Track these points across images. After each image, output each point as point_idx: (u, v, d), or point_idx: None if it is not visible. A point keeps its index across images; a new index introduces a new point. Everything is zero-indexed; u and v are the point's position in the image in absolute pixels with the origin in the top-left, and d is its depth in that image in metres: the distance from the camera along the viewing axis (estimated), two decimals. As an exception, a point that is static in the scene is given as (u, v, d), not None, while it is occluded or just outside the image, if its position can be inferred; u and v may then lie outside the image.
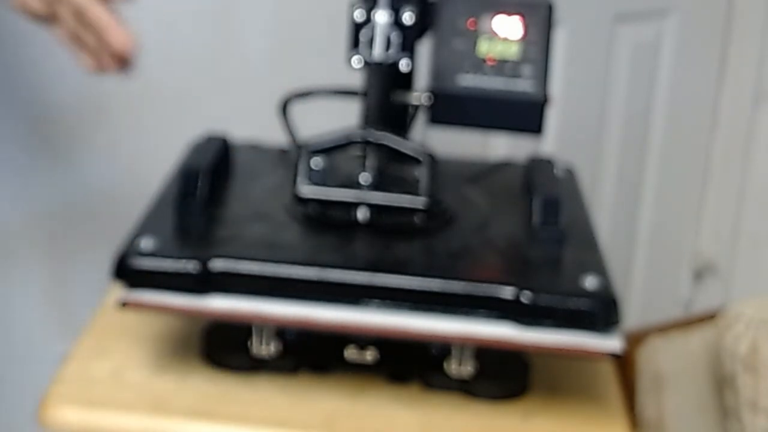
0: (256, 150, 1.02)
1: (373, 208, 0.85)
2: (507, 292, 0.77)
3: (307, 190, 0.84)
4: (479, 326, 0.78)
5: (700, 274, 1.97)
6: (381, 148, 0.84)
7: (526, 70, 0.88)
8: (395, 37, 0.89)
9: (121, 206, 1.33)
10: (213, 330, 0.88)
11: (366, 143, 0.84)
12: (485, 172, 1.00)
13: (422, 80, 0.92)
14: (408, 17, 0.89)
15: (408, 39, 0.89)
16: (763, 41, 1.83)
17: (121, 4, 0.86)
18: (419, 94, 0.91)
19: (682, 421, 1.36)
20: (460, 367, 0.84)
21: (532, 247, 0.85)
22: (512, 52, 0.89)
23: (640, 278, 1.91)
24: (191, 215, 0.86)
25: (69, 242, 1.38)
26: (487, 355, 0.84)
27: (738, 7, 1.83)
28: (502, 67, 0.89)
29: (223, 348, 0.86)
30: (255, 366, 0.85)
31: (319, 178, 0.84)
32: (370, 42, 0.89)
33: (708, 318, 1.43)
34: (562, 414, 0.83)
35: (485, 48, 0.89)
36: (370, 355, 0.85)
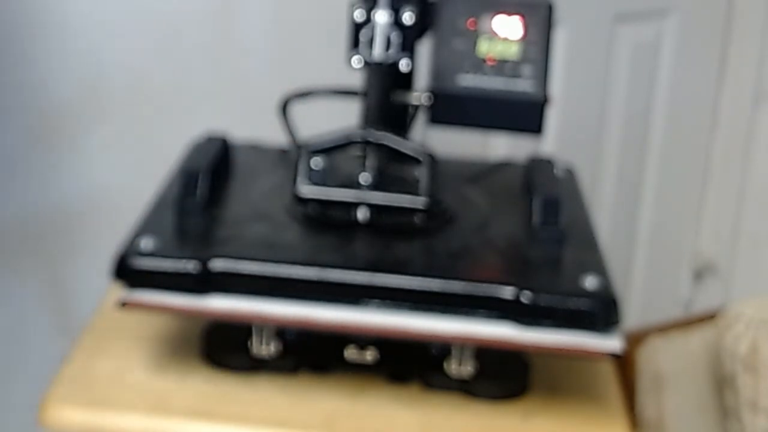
0: (256, 150, 1.02)
1: (373, 208, 0.85)
2: (507, 292, 0.77)
3: (307, 190, 0.84)
4: (479, 326, 0.78)
5: (700, 274, 1.97)
6: (381, 148, 0.84)
7: (526, 70, 0.88)
8: (395, 37, 0.89)
9: (120, 206, 1.34)
10: (213, 330, 0.88)
11: (366, 143, 0.84)
12: (485, 172, 1.00)
13: (422, 80, 0.92)
14: (408, 17, 0.89)
15: (408, 39, 0.89)
16: (763, 41, 1.83)
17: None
18: (419, 94, 0.91)
19: (682, 421, 1.36)
20: (460, 367, 0.84)
21: (532, 247, 0.85)
22: (512, 52, 0.89)
23: (640, 278, 1.92)
24: (191, 215, 0.86)
25: (69, 242, 1.38)
26: (487, 355, 0.84)
27: (738, 7, 1.84)
28: (502, 67, 0.89)
29: (223, 348, 0.86)
30: (255, 366, 0.85)
31: (319, 178, 0.84)
32: (370, 42, 0.89)
33: (708, 318, 1.43)
34: (562, 414, 0.83)
35: (485, 48, 0.89)
36: (370, 355, 0.85)
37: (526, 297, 0.77)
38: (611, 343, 0.77)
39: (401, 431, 0.80)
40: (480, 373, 0.84)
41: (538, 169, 0.95)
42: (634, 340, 1.40)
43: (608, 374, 0.89)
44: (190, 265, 0.78)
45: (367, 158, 0.86)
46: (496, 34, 0.89)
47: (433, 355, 0.85)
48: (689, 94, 1.84)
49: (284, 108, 1.00)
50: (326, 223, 0.85)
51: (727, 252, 1.93)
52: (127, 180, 1.35)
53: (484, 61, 0.89)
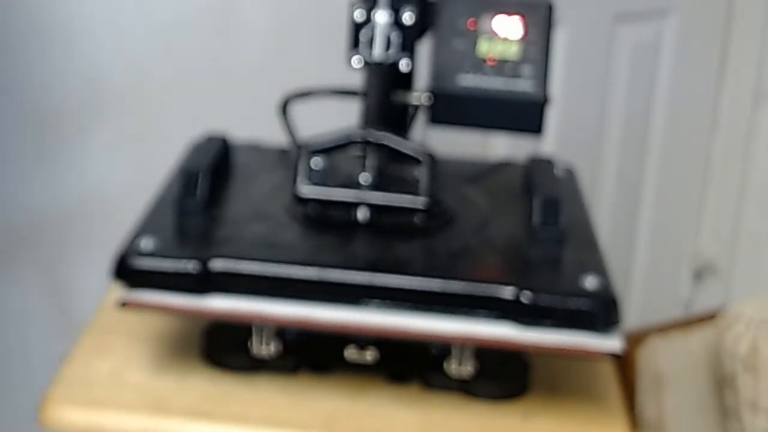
0: (256, 150, 1.02)
1: (373, 208, 0.84)
2: (507, 292, 0.77)
3: (307, 190, 0.84)
4: (479, 326, 0.78)
5: (700, 274, 1.97)
6: (381, 148, 0.84)
7: (526, 70, 0.88)
8: (395, 37, 0.89)
9: (121, 206, 1.34)
10: (213, 330, 0.88)
11: (366, 143, 0.84)
12: (485, 172, 1.00)
13: (422, 80, 0.92)
14: (408, 17, 0.89)
15: (408, 39, 0.89)
16: (763, 41, 1.83)
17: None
18: (419, 94, 0.91)
19: (682, 421, 1.36)
20: (460, 367, 0.84)
21: (532, 247, 0.85)
22: (512, 52, 0.89)
23: (640, 278, 1.92)
24: (191, 215, 0.86)
25: (69, 242, 1.38)
26: (487, 355, 0.84)
27: (738, 7, 1.84)
28: (502, 67, 0.89)
29: (223, 348, 0.86)
30: (255, 366, 0.85)
31: (319, 178, 0.84)
32: (370, 42, 0.89)
33: (708, 318, 1.43)
34: (562, 414, 0.83)
35: (485, 48, 0.89)
36: (370, 355, 0.85)
37: (526, 297, 0.77)
38: (611, 343, 0.77)
39: (401, 431, 0.80)
40: (480, 373, 0.84)
41: (538, 169, 0.95)
42: (634, 340, 1.40)
43: (608, 374, 0.89)
44: (190, 265, 0.78)
45: (367, 158, 0.86)
46: (496, 34, 0.89)
47: (433, 355, 0.85)
48: (689, 94, 1.84)
49: (284, 108, 1.00)
50: (326, 223, 0.85)
51: (727, 252, 1.93)
52: (127, 180, 1.35)
53: (484, 61, 0.89)
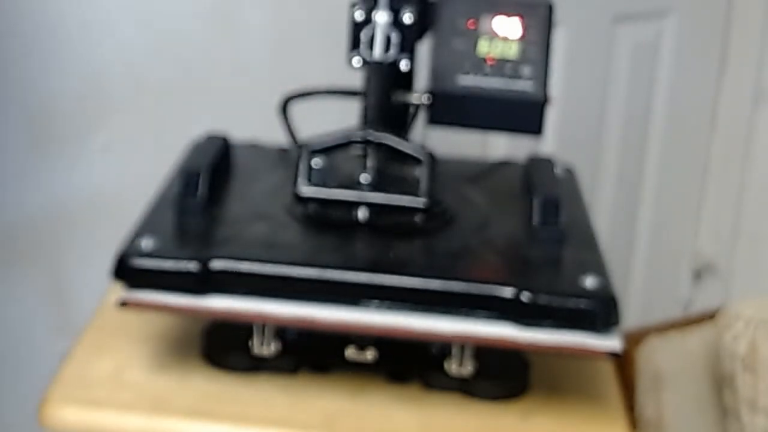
0: (256, 150, 1.02)
1: (373, 208, 0.85)
2: (507, 292, 0.77)
3: (307, 190, 0.84)
4: (479, 326, 0.78)
5: (699, 274, 1.97)
6: (381, 148, 0.84)
7: (526, 70, 0.88)
8: (395, 38, 0.89)
9: (121, 206, 1.34)
10: (213, 330, 0.88)
11: (366, 143, 0.84)
12: (485, 172, 1.00)
13: (422, 80, 0.92)
14: (408, 17, 0.89)
15: (408, 39, 0.89)
16: (763, 41, 1.83)
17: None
18: (419, 94, 0.91)
19: (681, 420, 1.36)
20: (459, 367, 0.84)
21: (532, 247, 0.85)
22: (512, 52, 0.89)
23: (640, 278, 1.92)
24: (191, 215, 0.86)
25: (69, 242, 1.38)
26: (487, 355, 0.84)
27: (737, 8, 1.84)
28: (502, 67, 0.89)
29: (223, 348, 0.86)
30: (255, 366, 0.85)
31: (319, 178, 0.84)
32: (370, 42, 0.89)
33: (707, 318, 1.43)
34: (561, 414, 0.83)
35: (485, 48, 0.89)
36: (370, 355, 0.85)
37: (525, 297, 0.77)
38: (611, 342, 0.77)
39: (401, 431, 0.80)
40: (480, 373, 0.84)
41: (538, 168, 0.95)
42: (634, 339, 1.40)
43: (608, 374, 0.89)
44: (190, 265, 0.78)
45: (367, 158, 0.86)
46: (496, 35, 0.89)
47: (433, 355, 0.85)
48: (689, 95, 1.84)
49: (284, 108, 1.00)
50: (326, 223, 0.85)
51: (726, 252, 1.93)
52: (127, 180, 1.35)
53: (484, 61, 0.89)
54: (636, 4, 1.75)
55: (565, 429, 0.82)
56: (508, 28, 0.89)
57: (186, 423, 0.80)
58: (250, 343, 0.85)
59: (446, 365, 0.84)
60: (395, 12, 0.89)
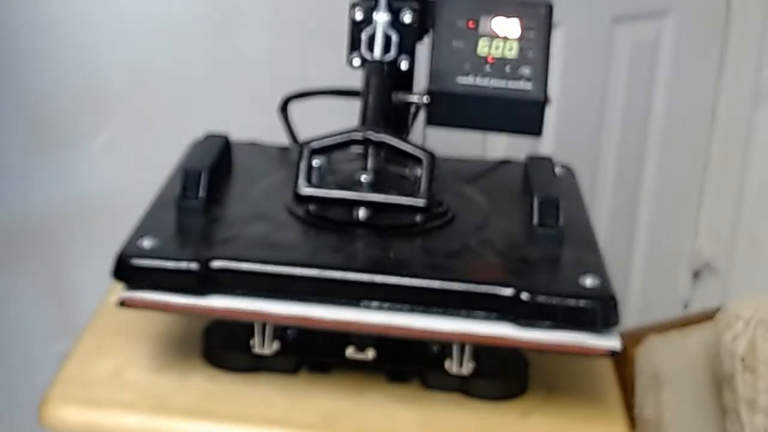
0: (257, 149, 1.02)
1: (373, 207, 0.85)
2: (506, 292, 0.78)
3: (307, 189, 0.84)
4: (479, 326, 0.78)
5: (698, 274, 1.98)
6: (381, 148, 0.84)
7: (526, 70, 0.89)
8: (395, 38, 0.89)
9: (121, 206, 1.34)
10: (213, 330, 0.88)
11: (366, 143, 0.84)
12: (485, 172, 1.01)
13: (422, 81, 0.92)
14: (408, 17, 0.89)
15: (407, 39, 0.90)
16: (762, 41, 1.83)
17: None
18: (419, 95, 0.91)
19: (680, 420, 1.36)
20: (459, 367, 0.84)
21: (532, 247, 0.85)
22: (512, 52, 0.89)
23: (639, 278, 1.92)
24: (192, 215, 0.86)
25: (69, 242, 1.38)
26: (487, 354, 0.84)
27: (736, 8, 1.84)
28: (501, 67, 0.89)
29: (223, 348, 0.86)
30: (255, 365, 0.85)
31: (319, 178, 0.84)
32: (370, 42, 0.89)
33: (706, 317, 1.43)
34: (561, 413, 0.83)
35: (485, 49, 0.89)
36: (370, 355, 0.85)
37: (525, 296, 0.77)
38: (610, 342, 0.77)
39: (401, 430, 0.81)
40: (479, 373, 0.84)
41: (537, 168, 0.95)
42: (633, 339, 1.40)
43: (607, 373, 0.89)
44: (190, 265, 0.78)
45: (367, 158, 0.86)
46: (495, 35, 0.89)
47: (432, 354, 0.85)
48: (688, 95, 1.84)
49: (284, 108, 1.00)
50: (326, 223, 0.85)
51: (725, 251, 1.93)
52: (127, 180, 1.35)
53: (483, 61, 0.89)
54: (635, 4, 1.75)
55: (565, 429, 0.82)
56: (507, 28, 0.89)
57: (186, 423, 0.80)
58: (250, 343, 0.85)
59: (446, 365, 0.84)
60: (395, 12, 0.89)
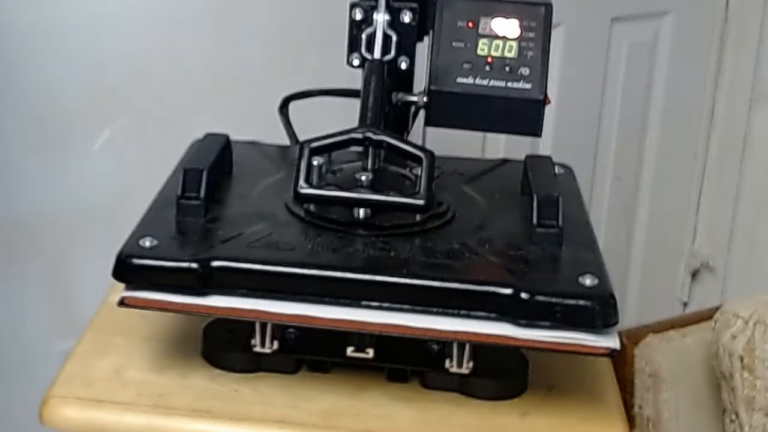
0: (257, 149, 1.02)
1: (373, 207, 0.85)
2: (506, 291, 0.78)
3: (307, 190, 0.84)
4: (478, 325, 0.78)
5: (697, 273, 1.98)
6: (381, 147, 0.85)
7: (525, 71, 0.89)
8: (394, 38, 0.89)
9: (121, 206, 1.34)
10: (213, 329, 0.88)
11: (366, 143, 0.84)
12: (484, 171, 1.01)
13: (421, 81, 0.92)
14: (407, 17, 0.90)
15: (407, 39, 0.90)
16: (759, 42, 1.83)
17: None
18: (418, 95, 0.91)
19: (679, 419, 1.37)
20: (459, 366, 0.84)
21: (531, 247, 0.85)
22: (511, 53, 0.89)
23: (638, 277, 1.92)
24: (192, 215, 0.86)
25: (69, 242, 1.38)
26: (486, 353, 0.84)
27: (734, 8, 1.84)
28: (501, 68, 0.89)
29: (223, 347, 0.87)
30: (255, 365, 0.85)
31: (319, 178, 0.85)
32: (370, 42, 0.89)
33: (705, 317, 1.44)
34: (560, 413, 0.83)
35: (484, 49, 0.89)
36: (369, 354, 0.85)
37: (524, 296, 0.77)
38: (609, 341, 0.78)
39: (400, 429, 0.81)
40: (479, 372, 0.84)
41: (537, 167, 0.95)
42: (632, 338, 1.40)
43: (606, 373, 0.89)
44: (190, 265, 0.79)
45: (367, 158, 0.87)
46: (495, 36, 0.89)
47: (432, 354, 0.85)
48: (686, 95, 1.84)
49: (284, 108, 1.00)
50: (326, 222, 0.86)
51: (723, 251, 1.94)
52: (127, 180, 1.35)
53: (483, 62, 0.89)
54: (633, 5, 1.75)
55: (564, 428, 0.82)
56: (507, 29, 0.89)
57: (186, 422, 0.81)
58: (250, 343, 0.85)
59: (445, 364, 0.84)
60: (394, 12, 0.89)
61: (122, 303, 0.80)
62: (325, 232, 0.85)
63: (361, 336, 0.84)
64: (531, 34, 0.89)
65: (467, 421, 0.82)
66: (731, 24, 1.85)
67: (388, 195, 0.83)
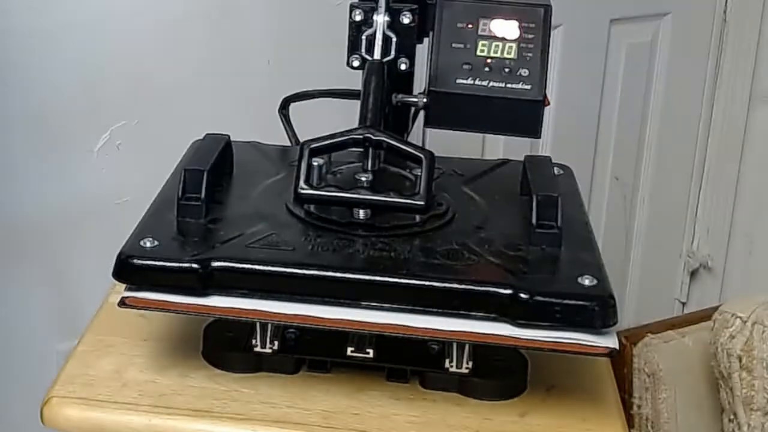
0: (257, 149, 1.02)
1: (373, 208, 0.85)
2: (505, 292, 0.78)
3: (308, 190, 0.84)
4: (478, 325, 0.79)
5: (695, 274, 1.98)
6: (381, 148, 0.85)
7: (525, 72, 0.89)
8: (394, 39, 0.90)
9: (122, 206, 1.34)
10: (214, 329, 0.88)
11: (366, 144, 0.85)
12: (484, 172, 1.01)
13: (421, 82, 0.92)
14: (407, 19, 0.90)
15: (407, 41, 0.90)
16: (758, 43, 1.84)
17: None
18: (418, 96, 0.91)
19: (678, 418, 1.37)
20: (458, 366, 0.84)
21: (530, 247, 0.85)
22: (510, 54, 0.89)
23: (636, 277, 1.92)
24: (192, 215, 0.86)
25: (70, 242, 1.38)
26: (485, 354, 0.84)
27: (732, 10, 1.84)
28: (500, 69, 0.89)
29: (223, 348, 0.87)
30: (255, 365, 0.86)
31: (319, 178, 0.85)
32: (370, 44, 0.89)
33: (704, 317, 1.44)
34: (559, 413, 0.84)
35: (484, 50, 0.89)
36: (369, 354, 0.85)
37: (524, 296, 0.78)
38: (608, 341, 0.78)
39: (400, 429, 0.81)
40: (478, 372, 0.84)
41: (536, 168, 0.95)
42: (630, 339, 1.41)
43: (604, 373, 0.89)
44: (191, 265, 0.79)
45: (367, 159, 0.87)
46: (494, 37, 0.89)
47: (431, 353, 0.85)
48: (685, 96, 1.85)
49: (284, 109, 1.00)
50: (326, 223, 0.86)
51: (722, 251, 1.94)
52: (127, 180, 1.35)
53: (482, 63, 0.89)
54: (632, 6, 1.75)
55: (563, 428, 0.82)
56: (506, 30, 0.89)
57: (187, 422, 0.81)
58: (250, 343, 0.85)
59: (445, 364, 0.84)
60: (394, 14, 0.90)
61: (123, 303, 0.80)
62: (325, 233, 0.85)
63: (361, 336, 0.84)
64: (530, 36, 0.89)
65: (467, 421, 0.82)
66: (730, 25, 1.85)
67: (387, 196, 0.83)
